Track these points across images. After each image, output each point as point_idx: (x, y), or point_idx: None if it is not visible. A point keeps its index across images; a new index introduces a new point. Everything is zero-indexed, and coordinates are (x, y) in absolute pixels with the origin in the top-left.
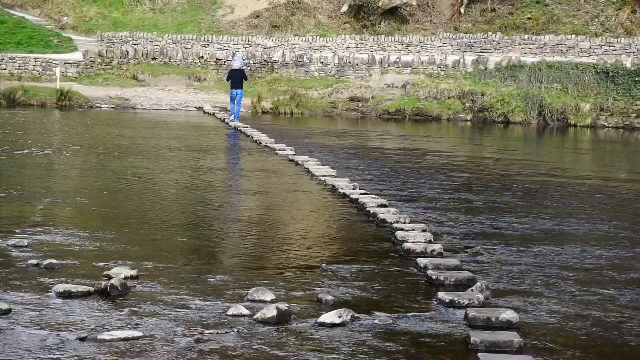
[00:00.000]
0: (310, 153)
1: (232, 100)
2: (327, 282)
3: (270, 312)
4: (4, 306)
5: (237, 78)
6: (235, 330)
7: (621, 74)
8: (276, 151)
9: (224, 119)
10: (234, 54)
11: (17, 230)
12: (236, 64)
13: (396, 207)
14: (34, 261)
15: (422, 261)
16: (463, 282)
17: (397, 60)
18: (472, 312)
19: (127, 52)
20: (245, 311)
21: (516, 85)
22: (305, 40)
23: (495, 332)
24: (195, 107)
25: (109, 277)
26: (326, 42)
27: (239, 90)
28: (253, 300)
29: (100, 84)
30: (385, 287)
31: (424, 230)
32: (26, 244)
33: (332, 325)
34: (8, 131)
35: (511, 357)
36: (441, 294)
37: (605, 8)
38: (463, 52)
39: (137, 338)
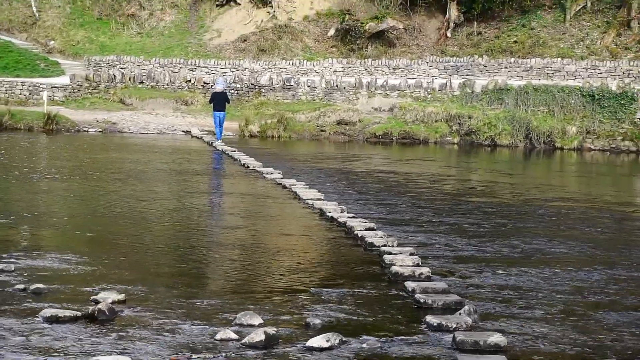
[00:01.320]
0: (298, 176)
1: (217, 123)
2: (315, 306)
3: (258, 336)
4: None
5: (219, 100)
6: (224, 354)
7: (607, 97)
8: (264, 175)
9: (212, 142)
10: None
11: (4, 255)
12: (219, 87)
13: (384, 231)
14: (21, 286)
15: (410, 285)
16: (451, 305)
17: (384, 83)
18: (460, 336)
19: (115, 76)
20: (234, 335)
21: (503, 109)
22: (292, 64)
23: (483, 355)
24: (183, 131)
25: (97, 302)
26: (313, 65)
27: (222, 112)
28: (241, 325)
29: (88, 107)
30: (373, 310)
31: (411, 254)
32: (13, 268)
33: (321, 349)
34: None
35: None
36: (429, 318)
37: (590, 31)
38: (450, 75)
39: None
